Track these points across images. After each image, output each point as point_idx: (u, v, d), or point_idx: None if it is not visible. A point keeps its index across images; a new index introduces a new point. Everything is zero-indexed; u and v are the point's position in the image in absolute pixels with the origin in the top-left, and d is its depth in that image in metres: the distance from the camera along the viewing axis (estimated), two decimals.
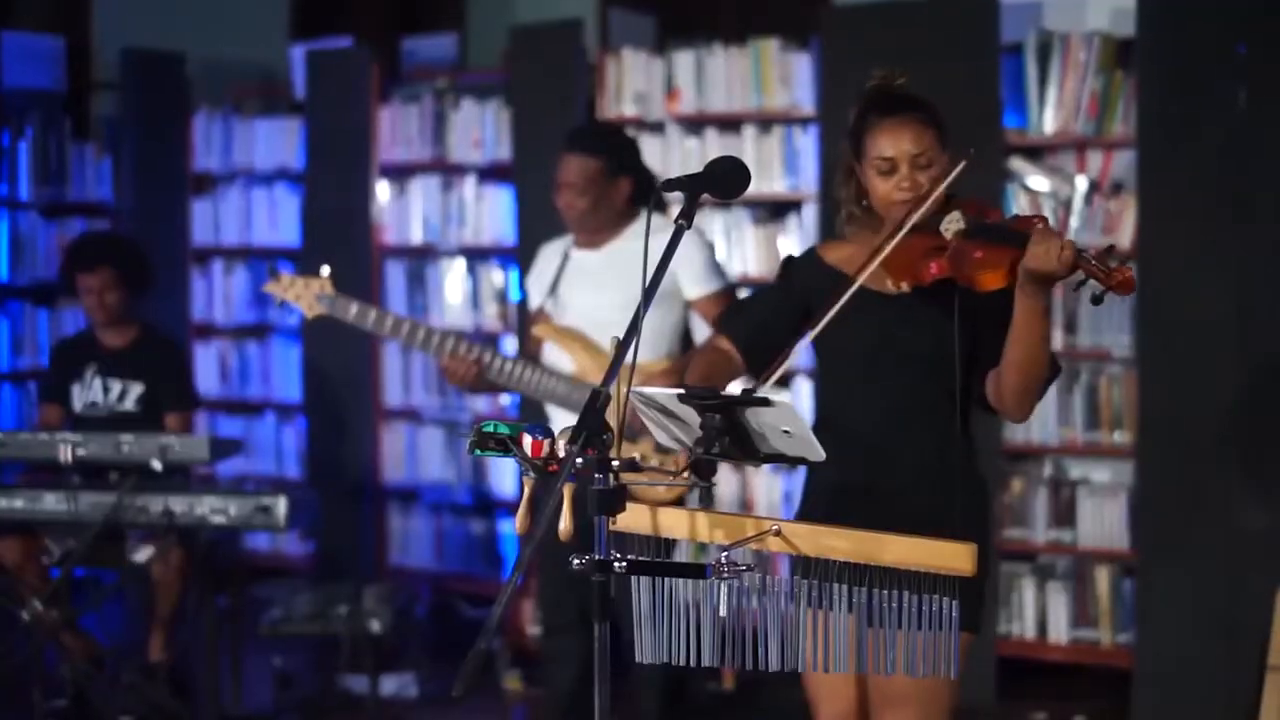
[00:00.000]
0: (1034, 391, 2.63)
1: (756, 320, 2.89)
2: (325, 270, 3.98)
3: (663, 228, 3.82)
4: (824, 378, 2.87)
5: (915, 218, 2.65)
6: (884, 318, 2.70)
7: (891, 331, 2.71)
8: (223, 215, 6.60)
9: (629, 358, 2.14)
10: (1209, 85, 4.42)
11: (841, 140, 2.84)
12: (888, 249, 2.64)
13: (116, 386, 4.79)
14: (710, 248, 3.98)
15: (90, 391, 4.80)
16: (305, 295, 3.96)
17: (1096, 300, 2.44)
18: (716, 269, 3.92)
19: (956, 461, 2.70)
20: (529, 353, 4.03)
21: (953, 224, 2.64)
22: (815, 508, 2.81)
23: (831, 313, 2.62)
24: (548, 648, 4.08)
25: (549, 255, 4.06)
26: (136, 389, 4.79)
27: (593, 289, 3.89)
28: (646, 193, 3.94)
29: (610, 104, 5.57)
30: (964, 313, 2.61)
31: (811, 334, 2.62)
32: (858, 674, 2.60)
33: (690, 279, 3.86)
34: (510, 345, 5.69)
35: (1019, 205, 4.93)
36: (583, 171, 3.86)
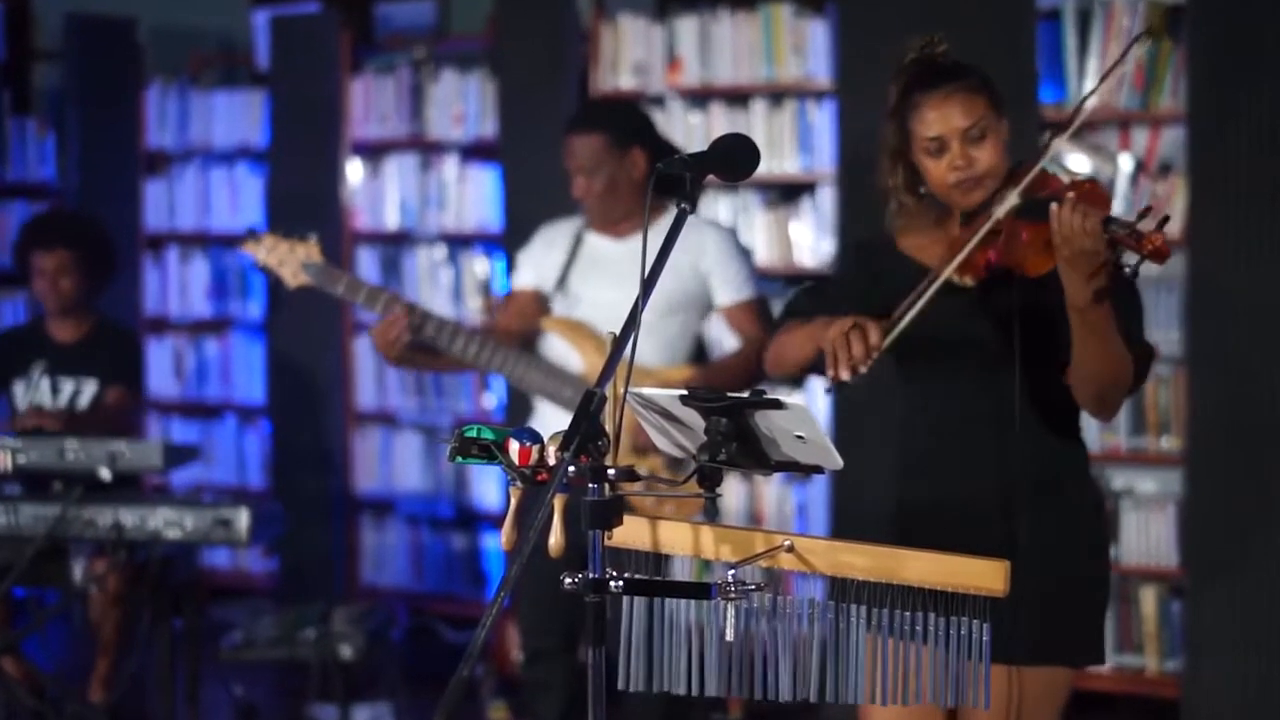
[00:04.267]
0: (1115, 395, 2.61)
1: (836, 309, 2.77)
2: (312, 236, 3.83)
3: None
4: (902, 384, 2.83)
5: (1009, 202, 2.60)
6: (959, 313, 2.68)
7: (966, 328, 2.69)
8: (178, 198, 6.60)
9: (631, 360, 2.13)
10: (1267, 54, 4.41)
11: (883, 123, 2.81)
12: (975, 240, 2.60)
13: (68, 386, 4.78)
14: (748, 254, 3.98)
15: (37, 392, 4.79)
16: (289, 261, 3.79)
17: (1131, 274, 2.43)
18: (753, 277, 3.95)
19: (1055, 473, 2.67)
20: (495, 334, 3.97)
21: (1006, 204, 2.60)
22: (906, 528, 2.77)
23: (914, 311, 2.60)
24: (533, 675, 4.08)
25: (555, 238, 4.01)
26: (90, 387, 4.78)
27: (614, 285, 3.87)
28: None
29: (605, 75, 5.57)
30: (1032, 304, 2.59)
31: (894, 333, 2.60)
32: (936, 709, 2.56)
33: (724, 285, 3.88)
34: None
35: None
36: (588, 150, 3.85)
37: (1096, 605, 2.75)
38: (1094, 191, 2.51)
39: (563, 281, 3.95)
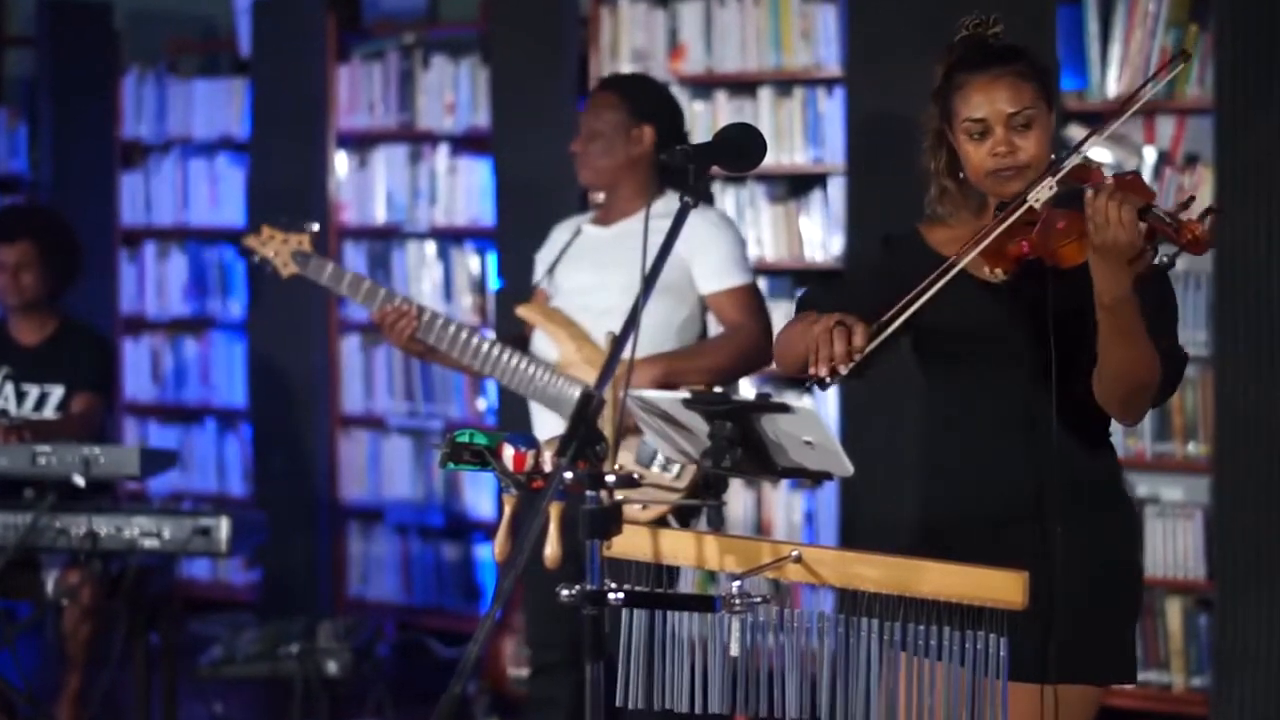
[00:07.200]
0: (1140, 399, 2.60)
1: (851, 302, 2.71)
2: (311, 226, 4.08)
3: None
4: (930, 383, 2.82)
5: (1043, 189, 2.58)
6: (989, 309, 2.66)
7: (996, 325, 2.68)
8: (156, 191, 6.60)
9: (631, 362, 2.13)
10: None
11: (930, 104, 2.80)
12: (1002, 228, 2.57)
13: (34, 392, 4.78)
14: (739, 240, 3.92)
15: (1, 399, 4.79)
16: (282, 252, 4.04)
17: (1167, 265, 2.43)
18: (741, 263, 3.87)
19: (1088, 481, 2.66)
20: (508, 337, 4.02)
21: (1044, 191, 2.58)
22: (928, 537, 2.76)
23: (924, 298, 2.57)
24: (535, 690, 4.09)
25: (558, 235, 4.06)
26: (56, 392, 4.78)
27: (591, 268, 3.89)
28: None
29: (605, 62, 5.56)
30: (1067, 301, 2.57)
31: (899, 320, 2.58)
32: None
33: (706, 270, 3.83)
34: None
35: None
36: (597, 107, 3.91)
37: (1127, 620, 2.75)
38: (1136, 182, 2.50)
39: (552, 269, 3.98)
